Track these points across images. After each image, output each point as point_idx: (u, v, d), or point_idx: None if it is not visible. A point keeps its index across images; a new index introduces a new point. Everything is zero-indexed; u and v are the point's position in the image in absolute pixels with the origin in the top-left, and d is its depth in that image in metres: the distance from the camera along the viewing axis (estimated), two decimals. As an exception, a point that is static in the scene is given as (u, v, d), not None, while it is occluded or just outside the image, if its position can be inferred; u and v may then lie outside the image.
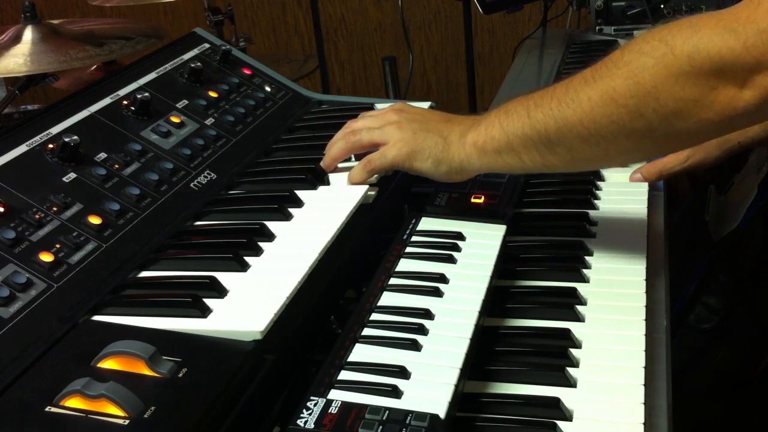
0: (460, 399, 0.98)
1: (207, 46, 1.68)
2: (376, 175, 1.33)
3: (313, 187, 1.32)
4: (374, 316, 1.08)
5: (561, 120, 1.09)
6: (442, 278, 1.16)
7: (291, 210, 1.24)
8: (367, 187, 1.30)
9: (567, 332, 1.10)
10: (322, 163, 1.36)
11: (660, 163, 1.48)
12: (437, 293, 1.13)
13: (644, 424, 0.94)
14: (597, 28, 2.47)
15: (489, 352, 1.08)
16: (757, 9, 0.93)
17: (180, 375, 0.89)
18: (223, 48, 1.66)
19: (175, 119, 1.42)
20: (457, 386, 0.96)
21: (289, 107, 1.64)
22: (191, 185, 1.31)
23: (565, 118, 1.09)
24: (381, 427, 0.88)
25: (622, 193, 1.46)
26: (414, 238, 1.26)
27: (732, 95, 0.97)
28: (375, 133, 1.31)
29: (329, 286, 1.13)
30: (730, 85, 0.96)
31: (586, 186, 1.47)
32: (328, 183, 1.34)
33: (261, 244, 1.15)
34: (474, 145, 1.21)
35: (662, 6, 2.43)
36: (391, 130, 1.29)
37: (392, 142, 1.28)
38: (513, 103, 1.17)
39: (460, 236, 1.26)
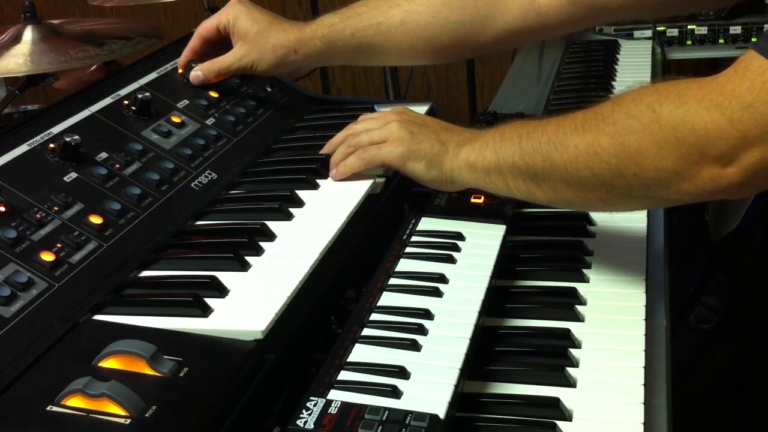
0: (459, 399, 0.98)
1: (207, 46, 1.68)
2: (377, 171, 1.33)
3: (314, 186, 1.32)
4: (374, 317, 1.08)
5: (548, 159, 1.11)
6: (442, 278, 1.16)
7: (292, 210, 1.25)
8: (371, 181, 1.30)
9: (567, 332, 1.10)
10: (333, 174, 1.34)
11: (218, 61, 1.51)
12: (437, 293, 1.13)
13: (644, 424, 0.95)
14: (597, 28, 2.47)
15: (489, 352, 1.09)
16: (741, 82, 0.92)
17: (181, 374, 0.89)
18: (224, 48, 1.66)
19: (175, 119, 1.42)
20: (456, 386, 0.96)
21: (290, 107, 1.64)
22: (192, 185, 1.31)
23: (551, 158, 1.10)
24: (380, 427, 0.88)
25: (622, 194, 1.46)
26: (414, 238, 1.26)
27: (716, 172, 0.96)
28: (374, 134, 1.31)
29: (329, 286, 1.14)
30: (714, 161, 0.95)
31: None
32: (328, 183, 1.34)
33: (262, 243, 1.15)
34: (466, 160, 1.22)
35: (662, 6, 2.42)
36: (390, 129, 1.30)
37: (389, 140, 1.29)
38: (509, 128, 1.19)
39: (459, 236, 1.26)
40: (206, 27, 1.54)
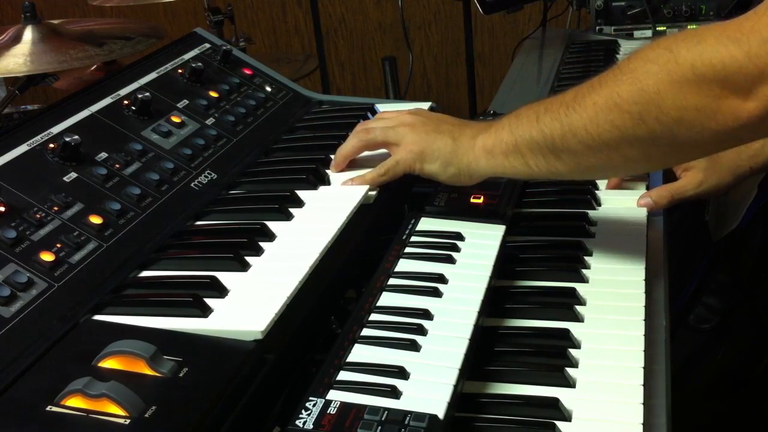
0: (459, 399, 0.98)
1: (207, 46, 1.68)
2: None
3: (314, 187, 1.32)
4: (373, 317, 1.08)
5: (567, 125, 1.10)
6: (441, 278, 1.16)
7: (291, 210, 1.25)
8: (367, 187, 1.30)
9: (566, 332, 1.10)
10: (332, 163, 1.37)
11: (672, 187, 1.45)
12: (436, 293, 1.13)
13: (643, 424, 0.94)
14: (597, 28, 2.47)
15: (488, 352, 1.09)
16: (760, 19, 0.92)
17: (181, 374, 0.89)
18: (224, 48, 1.66)
19: (175, 119, 1.42)
20: (456, 386, 0.96)
21: (290, 107, 1.64)
22: (192, 185, 1.31)
23: (570, 123, 1.10)
24: (380, 427, 0.88)
25: (622, 194, 1.46)
26: (413, 239, 1.26)
27: (735, 106, 0.96)
28: (389, 132, 1.32)
29: (329, 286, 1.14)
30: (733, 95, 0.95)
31: (585, 186, 1.47)
32: (328, 183, 1.34)
33: (261, 243, 1.15)
34: (483, 147, 1.22)
35: (662, 6, 2.43)
36: (405, 130, 1.30)
37: (403, 145, 1.29)
38: (525, 108, 1.19)
39: (459, 236, 1.26)
40: None
